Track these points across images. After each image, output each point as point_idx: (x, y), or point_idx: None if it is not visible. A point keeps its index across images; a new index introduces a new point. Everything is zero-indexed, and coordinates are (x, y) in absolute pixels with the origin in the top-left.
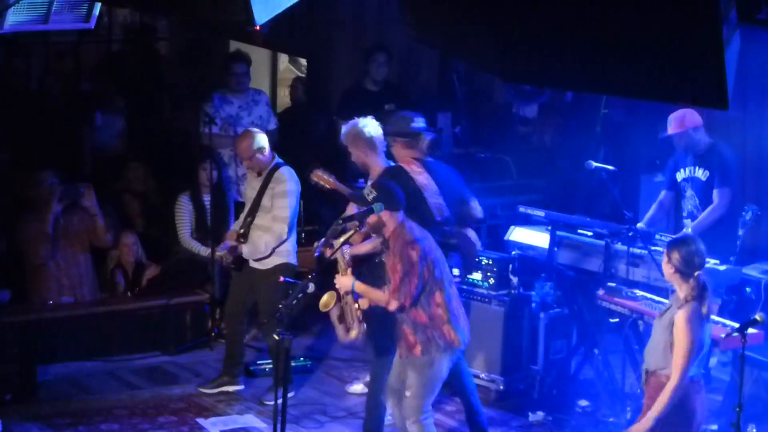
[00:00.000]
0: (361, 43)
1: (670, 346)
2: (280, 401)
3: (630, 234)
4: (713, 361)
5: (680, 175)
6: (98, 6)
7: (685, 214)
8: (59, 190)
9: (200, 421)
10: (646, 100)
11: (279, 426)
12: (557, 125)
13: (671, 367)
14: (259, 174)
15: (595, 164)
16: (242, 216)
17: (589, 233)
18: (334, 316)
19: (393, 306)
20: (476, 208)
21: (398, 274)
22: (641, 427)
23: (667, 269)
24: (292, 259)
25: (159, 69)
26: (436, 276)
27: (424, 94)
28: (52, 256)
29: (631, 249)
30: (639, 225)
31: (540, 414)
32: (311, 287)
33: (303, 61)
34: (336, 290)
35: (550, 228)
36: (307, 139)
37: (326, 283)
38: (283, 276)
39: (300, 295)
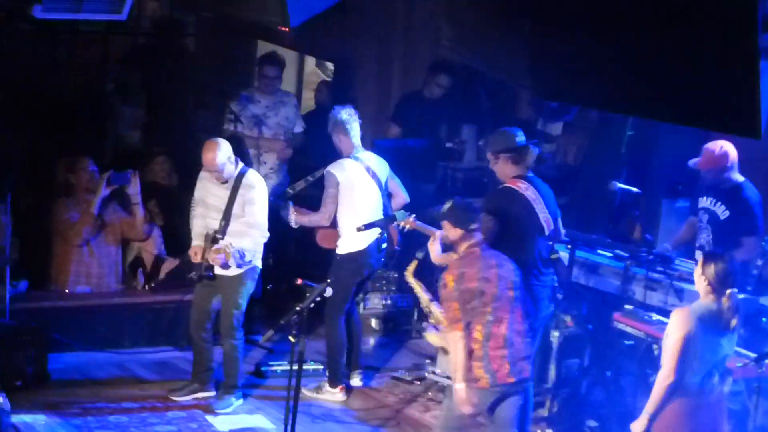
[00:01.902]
0: (388, 50)
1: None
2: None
3: (649, 257)
4: (725, 389)
5: (701, 202)
6: None
7: (697, 245)
8: (109, 174)
9: (209, 418)
10: (677, 125)
11: (289, 427)
12: (581, 144)
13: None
14: (224, 182)
15: (619, 185)
16: (199, 224)
17: (609, 254)
18: (438, 347)
19: (453, 337)
20: (561, 228)
21: (441, 299)
22: (638, 423)
23: (700, 281)
24: (258, 263)
25: (185, 65)
26: (478, 308)
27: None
28: (89, 241)
29: (649, 273)
30: (666, 245)
31: (549, 431)
32: (329, 291)
33: (329, 65)
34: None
35: (569, 246)
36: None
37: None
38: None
39: (318, 298)
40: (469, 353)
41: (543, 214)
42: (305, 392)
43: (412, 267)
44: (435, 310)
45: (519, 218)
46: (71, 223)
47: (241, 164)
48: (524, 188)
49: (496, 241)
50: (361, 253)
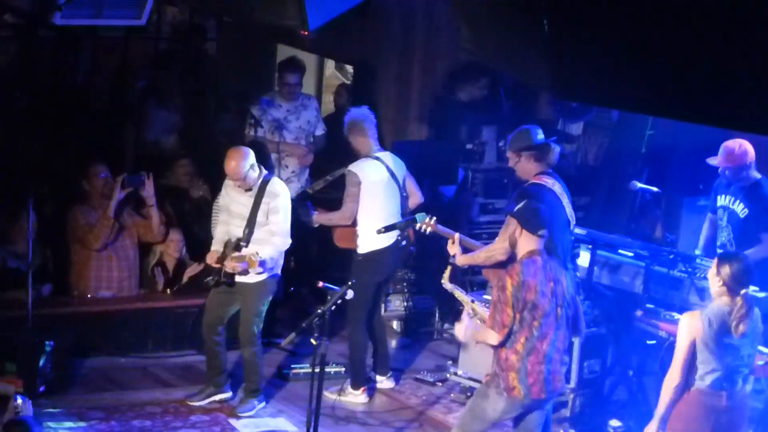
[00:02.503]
0: (408, 52)
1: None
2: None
3: (670, 256)
4: (748, 388)
5: (720, 201)
6: (150, 3)
7: (719, 243)
8: (123, 176)
9: (232, 421)
10: (699, 124)
11: (312, 430)
12: (601, 144)
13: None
14: (248, 189)
15: (639, 185)
16: (222, 231)
17: (630, 254)
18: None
19: (493, 340)
20: None
21: (493, 299)
22: (650, 427)
23: (715, 282)
24: (278, 269)
25: (206, 69)
26: (527, 321)
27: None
28: (107, 246)
29: (671, 271)
30: (697, 251)
31: None
32: (350, 294)
33: (349, 68)
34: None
35: (590, 246)
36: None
37: None
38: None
39: (339, 301)
40: (506, 361)
41: (569, 209)
42: (327, 395)
43: (447, 273)
44: (480, 310)
45: (549, 214)
46: (90, 227)
47: (264, 171)
48: (551, 184)
49: None
50: (383, 253)
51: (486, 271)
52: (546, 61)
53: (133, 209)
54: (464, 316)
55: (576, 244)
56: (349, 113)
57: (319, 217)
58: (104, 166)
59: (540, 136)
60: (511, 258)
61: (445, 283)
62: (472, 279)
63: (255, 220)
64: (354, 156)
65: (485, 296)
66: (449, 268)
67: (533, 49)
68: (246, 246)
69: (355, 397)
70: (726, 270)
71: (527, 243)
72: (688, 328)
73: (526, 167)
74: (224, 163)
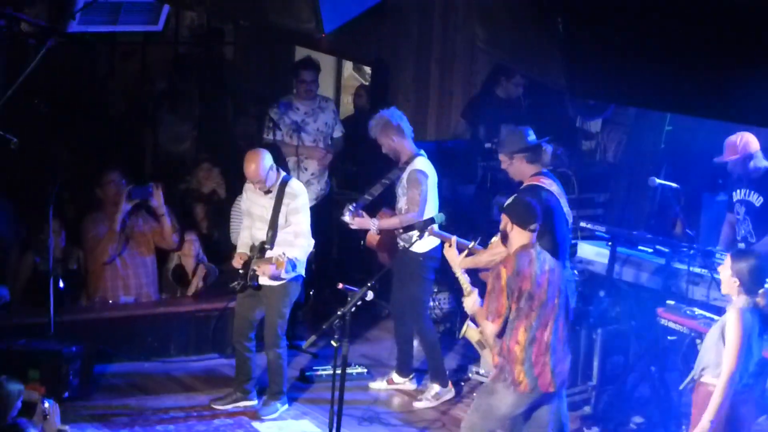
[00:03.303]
0: (426, 52)
1: (720, 353)
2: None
3: (691, 252)
4: None
5: (735, 196)
6: (167, 9)
7: (739, 237)
8: (129, 188)
9: (255, 424)
10: (717, 120)
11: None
12: (620, 141)
13: (719, 370)
14: (267, 191)
15: (658, 181)
16: (245, 236)
17: (650, 250)
18: (473, 341)
19: (489, 329)
20: None
21: (488, 288)
22: None
23: (730, 282)
24: (302, 271)
25: (224, 73)
26: (524, 311)
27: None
28: (120, 254)
29: (691, 267)
30: (718, 248)
31: (595, 429)
32: (370, 295)
33: (367, 69)
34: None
35: (610, 243)
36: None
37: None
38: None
39: (359, 303)
40: (509, 353)
41: (566, 208)
42: (418, 405)
43: (461, 258)
44: (470, 292)
45: (548, 215)
46: (98, 240)
47: (282, 173)
48: (549, 184)
49: None
50: (437, 250)
51: (485, 273)
52: (561, 58)
53: (148, 214)
54: (474, 292)
55: (573, 242)
56: (381, 114)
57: (384, 222)
58: (117, 173)
59: (531, 137)
60: None
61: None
62: None
63: (277, 223)
64: (383, 157)
65: None
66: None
67: (549, 47)
68: (270, 248)
69: (447, 394)
70: (742, 266)
71: (519, 238)
72: (744, 323)
73: (519, 169)
74: (243, 167)
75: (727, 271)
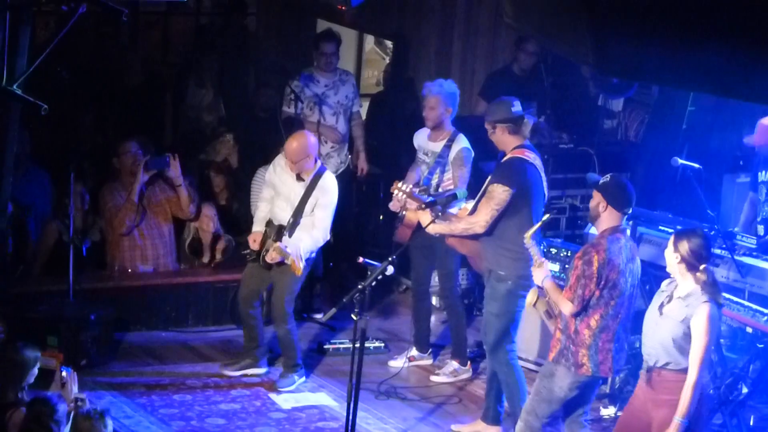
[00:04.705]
0: (449, 27)
1: (682, 342)
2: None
3: (711, 233)
4: None
5: (760, 177)
6: None
7: (759, 219)
8: (146, 159)
9: (272, 396)
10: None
11: (352, 405)
12: (642, 120)
13: (684, 363)
14: (300, 177)
15: (681, 161)
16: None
17: (671, 230)
18: (540, 311)
19: (567, 309)
20: None
21: (576, 271)
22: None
23: (672, 259)
24: (314, 254)
25: (246, 44)
26: (605, 299)
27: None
28: (138, 225)
29: (711, 248)
30: (736, 229)
31: (612, 409)
32: (390, 269)
33: (389, 44)
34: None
35: (630, 223)
36: (392, 121)
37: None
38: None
39: (380, 277)
40: (577, 335)
41: (545, 185)
42: (435, 380)
43: (533, 230)
44: (541, 263)
45: (531, 188)
46: (116, 210)
47: (319, 163)
48: (533, 158)
49: (508, 212)
50: None
51: (452, 240)
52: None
53: (166, 184)
54: (545, 263)
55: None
56: (452, 84)
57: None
58: (134, 143)
59: (517, 108)
60: (489, 231)
61: (527, 239)
62: None
63: (302, 211)
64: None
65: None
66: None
67: (577, 24)
68: (289, 235)
69: (463, 372)
70: (684, 246)
71: (611, 219)
72: (714, 321)
73: (501, 139)
74: (286, 143)
75: (671, 251)
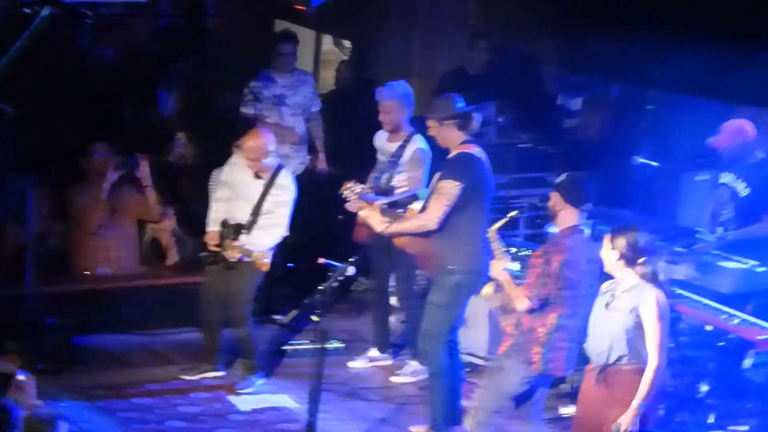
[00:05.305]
0: (412, 29)
1: (634, 333)
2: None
3: (671, 232)
4: (748, 363)
5: (722, 178)
6: None
7: (719, 220)
8: (116, 159)
9: (232, 398)
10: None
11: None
12: (602, 119)
13: (638, 356)
14: (258, 175)
15: (641, 160)
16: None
17: None
18: (494, 306)
19: (523, 306)
20: None
21: (537, 269)
22: (628, 417)
23: (611, 257)
24: (272, 255)
25: (205, 45)
26: (564, 298)
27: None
28: (104, 225)
29: (672, 246)
30: (697, 227)
31: (572, 408)
32: (352, 270)
33: (347, 44)
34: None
35: (591, 221)
36: (350, 121)
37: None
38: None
39: (341, 278)
40: (532, 333)
41: (492, 179)
42: (396, 380)
43: (499, 224)
44: (502, 256)
45: (479, 183)
46: (84, 210)
47: (276, 160)
48: (479, 153)
49: (459, 207)
50: None
51: (402, 240)
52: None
53: (133, 187)
54: (506, 258)
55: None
56: (406, 85)
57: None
58: (102, 144)
59: (461, 104)
60: (441, 227)
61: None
62: None
63: (261, 209)
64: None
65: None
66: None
67: (544, 24)
68: (247, 233)
69: (423, 372)
70: (621, 242)
71: (569, 217)
72: (663, 306)
73: (448, 136)
74: (245, 139)
75: (608, 250)
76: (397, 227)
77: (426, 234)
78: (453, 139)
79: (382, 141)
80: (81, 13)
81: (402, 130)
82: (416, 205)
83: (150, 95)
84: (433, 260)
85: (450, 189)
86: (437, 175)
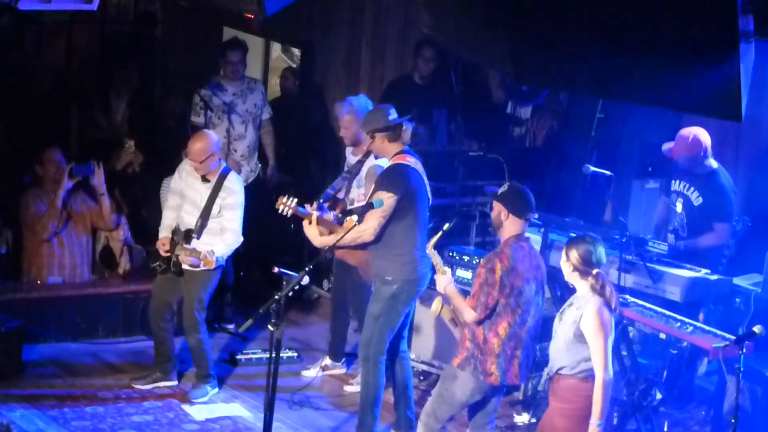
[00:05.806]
0: (357, 35)
1: (573, 345)
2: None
3: (623, 240)
4: (701, 370)
5: (674, 186)
6: None
7: (671, 228)
8: (70, 166)
9: (185, 407)
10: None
11: (268, 415)
12: (551, 127)
13: (575, 367)
14: (205, 179)
15: (592, 168)
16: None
17: None
18: (446, 319)
19: (470, 317)
20: None
21: (479, 279)
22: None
23: (566, 268)
24: (222, 261)
25: (152, 52)
26: (512, 306)
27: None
28: (58, 233)
29: (623, 255)
30: (648, 235)
31: (525, 416)
32: (307, 279)
33: (296, 51)
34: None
35: (542, 230)
36: (300, 128)
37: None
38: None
39: (296, 287)
40: (485, 344)
41: (427, 189)
42: (349, 389)
43: (435, 239)
44: (444, 270)
45: (414, 194)
46: (38, 216)
47: (223, 164)
48: (413, 163)
49: (394, 218)
50: None
51: (341, 252)
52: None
53: (87, 195)
54: (447, 271)
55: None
56: (367, 101)
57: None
58: (57, 150)
59: (393, 115)
60: (377, 239)
61: (429, 248)
62: None
63: (209, 213)
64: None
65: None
66: (439, 233)
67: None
68: (197, 238)
69: None
70: (574, 254)
71: (513, 227)
72: (603, 317)
73: (381, 147)
74: (188, 144)
75: (564, 261)
76: (333, 239)
77: (363, 245)
78: (387, 150)
79: (348, 154)
80: (38, 21)
81: (363, 144)
82: (354, 217)
83: (99, 102)
84: (371, 271)
85: (385, 200)
86: (372, 187)
